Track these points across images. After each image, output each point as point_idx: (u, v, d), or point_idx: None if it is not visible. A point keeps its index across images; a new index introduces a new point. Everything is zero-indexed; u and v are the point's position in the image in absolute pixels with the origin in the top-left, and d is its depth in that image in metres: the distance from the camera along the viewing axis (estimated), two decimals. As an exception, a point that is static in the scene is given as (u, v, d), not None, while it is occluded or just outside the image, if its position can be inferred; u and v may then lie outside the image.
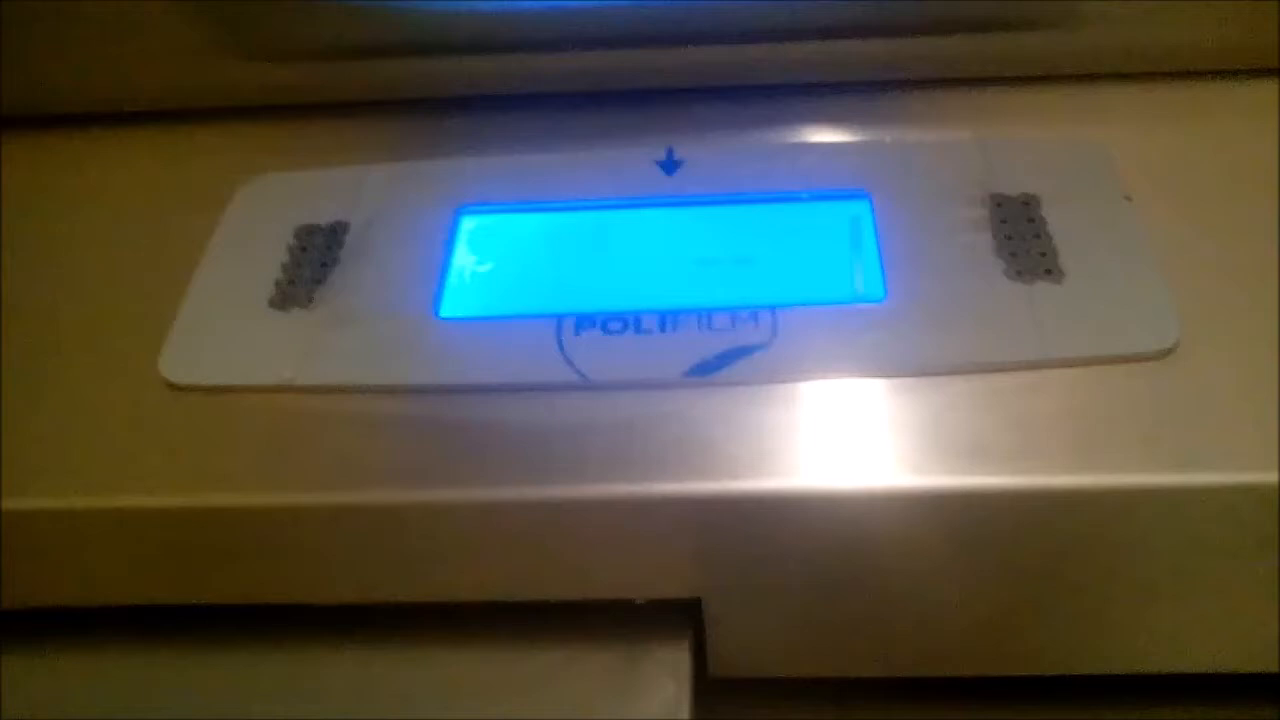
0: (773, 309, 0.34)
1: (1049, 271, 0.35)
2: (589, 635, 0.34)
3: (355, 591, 0.34)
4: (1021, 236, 0.36)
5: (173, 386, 0.34)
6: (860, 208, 0.37)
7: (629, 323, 0.34)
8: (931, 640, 0.35)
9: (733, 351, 0.33)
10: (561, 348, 0.34)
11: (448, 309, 0.35)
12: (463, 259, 0.37)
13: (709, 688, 0.35)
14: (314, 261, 0.37)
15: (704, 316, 0.34)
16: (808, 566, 0.33)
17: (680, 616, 0.34)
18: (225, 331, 0.35)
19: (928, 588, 0.33)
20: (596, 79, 0.41)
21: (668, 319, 0.34)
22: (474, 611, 0.34)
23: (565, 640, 0.34)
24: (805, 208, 0.38)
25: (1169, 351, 0.33)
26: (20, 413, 0.35)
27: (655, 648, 0.33)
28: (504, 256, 0.37)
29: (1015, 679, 0.36)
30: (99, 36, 0.41)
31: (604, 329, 0.34)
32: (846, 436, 0.32)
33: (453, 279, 0.36)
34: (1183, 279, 0.35)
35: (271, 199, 0.39)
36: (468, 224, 0.38)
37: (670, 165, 0.39)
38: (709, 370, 0.33)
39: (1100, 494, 0.31)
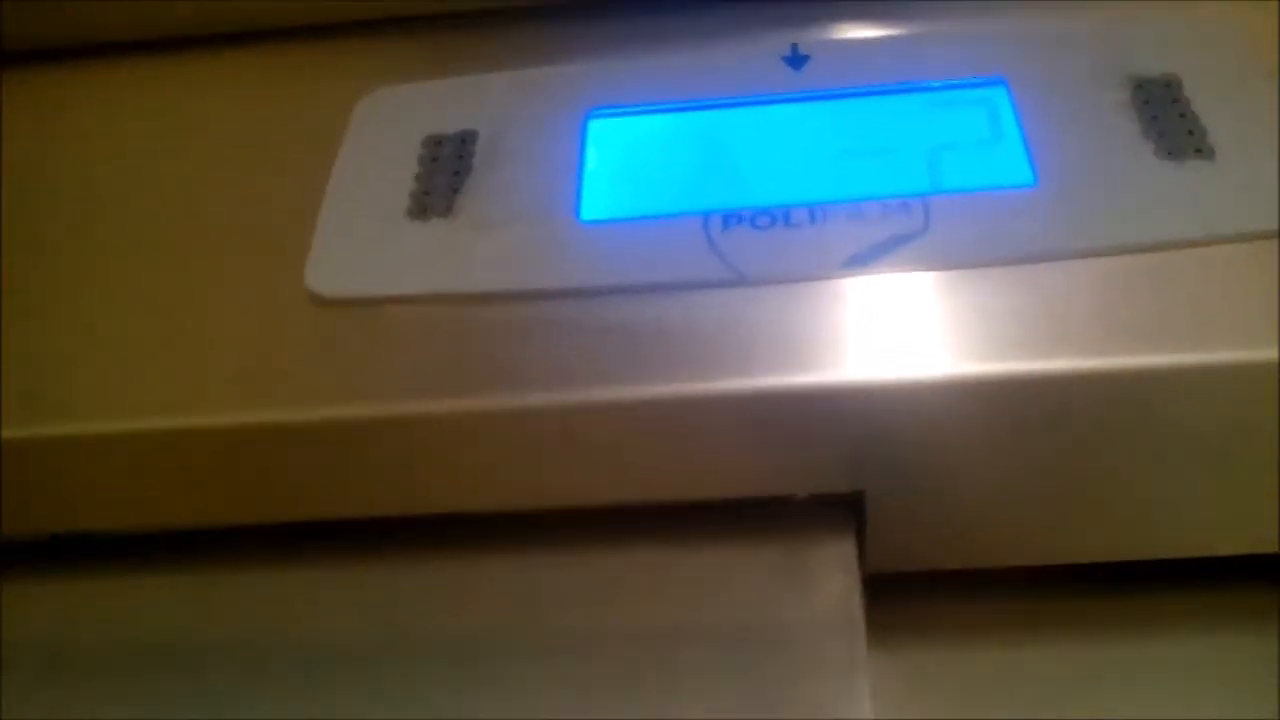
0: (923, 197, 0.34)
1: (1199, 150, 0.34)
2: (753, 533, 0.34)
3: (518, 498, 0.34)
4: (1167, 117, 0.35)
5: (319, 300, 0.34)
6: (998, 94, 0.37)
7: (777, 217, 0.34)
8: (1093, 526, 0.35)
9: (888, 241, 0.33)
10: (712, 244, 0.33)
11: (589, 211, 0.35)
12: (597, 162, 0.36)
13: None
14: (447, 170, 0.37)
15: (854, 208, 0.34)
16: (976, 456, 0.32)
17: (842, 511, 0.34)
18: (367, 244, 0.35)
19: (1102, 470, 0.33)
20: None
21: (817, 212, 0.34)
22: (637, 514, 0.34)
23: (729, 539, 0.34)
24: (940, 96, 0.37)
25: (1327, 225, 0.32)
26: (170, 333, 0.34)
27: (821, 543, 0.33)
28: (638, 158, 0.37)
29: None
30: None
31: (753, 224, 0.34)
32: (1011, 321, 0.32)
33: (590, 182, 0.36)
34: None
35: (394, 111, 0.39)
36: (597, 127, 0.37)
37: (796, 60, 0.38)
38: (865, 261, 0.33)
39: (1269, 368, 0.31)
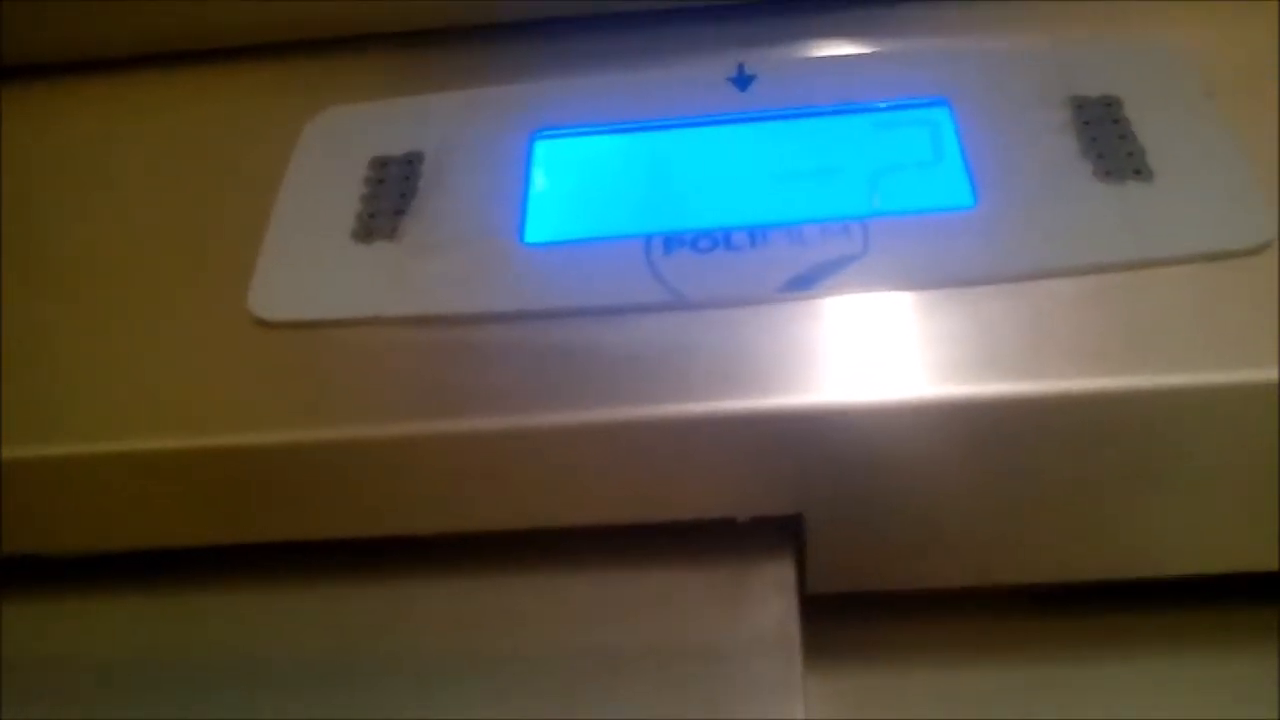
0: (863, 219, 0.34)
1: (1138, 171, 0.35)
2: (692, 556, 0.34)
3: (456, 520, 0.34)
4: (1106, 137, 0.36)
5: (262, 323, 0.34)
6: (940, 115, 0.37)
7: (718, 240, 0.34)
8: (1032, 546, 0.35)
9: (827, 264, 0.33)
10: (652, 267, 0.34)
11: (532, 234, 0.35)
12: (541, 183, 0.37)
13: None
14: (392, 192, 0.37)
15: (794, 230, 0.34)
16: (911, 478, 0.33)
17: (781, 534, 0.34)
18: (311, 266, 0.35)
19: (1032, 493, 0.33)
20: (662, -4, 0.40)
21: (758, 234, 0.34)
22: (576, 537, 0.34)
23: (668, 562, 0.34)
24: (884, 117, 0.37)
25: (1265, 247, 0.33)
26: (111, 358, 0.34)
27: (760, 565, 0.33)
28: (583, 179, 0.37)
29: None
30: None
31: (694, 247, 0.34)
32: (948, 344, 0.32)
33: (534, 204, 0.36)
34: (1270, 175, 0.34)
35: (341, 132, 0.39)
36: (543, 148, 0.37)
37: (742, 81, 0.39)
38: (805, 284, 0.33)
39: (1202, 391, 0.31)
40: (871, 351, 0.32)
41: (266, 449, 0.33)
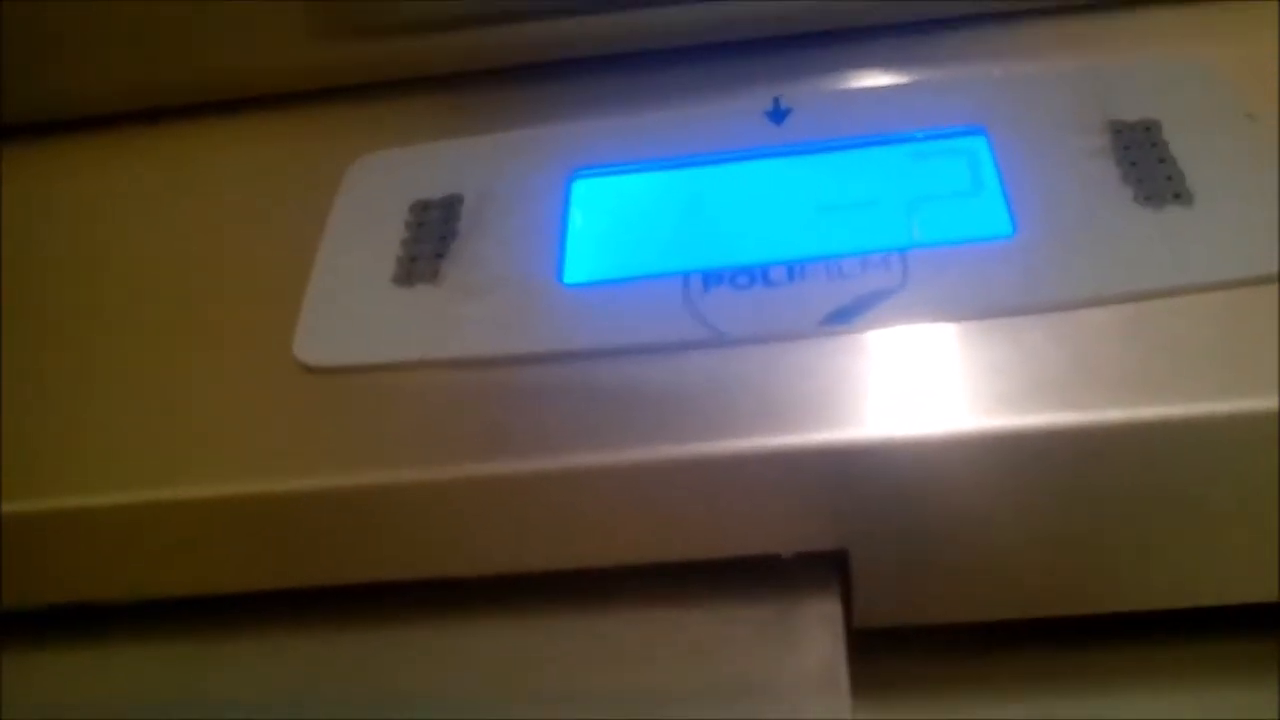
0: (901, 251, 0.34)
1: (1178, 195, 0.34)
2: (737, 593, 0.34)
3: (502, 562, 0.34)
4: (1146, 162, 0.35)
5: (308, 369, 0.35)
6: (977, 143, 0.37)
7: (757, 276, 0.34)
8: (1080, 578, 0.34)
9: (866, 297, 0.33)
10: (691, 305, 0.34)
11: (571, 274, 0.35)
12: (580, 223, 0.37)
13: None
14: (433, 236, 0.37)
15: (832, 264, 0.34)
16: (958, 512, 0.32)
17: (827, 569, 0.34)
18: (354, 312, 0.36)
19: (1077, 525, 0.33)
20: (696, 32, 0.41)
21: (796, 269, 0.34)
22: (621, 576, 0.34)
23: (714, 600, 0.34)
24: (921, 147, 0.37)
25: (1311, 270, 0.32)
26: (159, 405, 0.35)
27: (806, 601, 0.33)
28: (621, 218, 0.37)
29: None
30: (198, 24, 0.41)
31: (732, 284, 0.34)
32: (992, 375, 0.32)
33: (573, 244, 0.36)
34: (1315, 194, 0.34)
35: (381, 177, 0.39)
36: (581, 188, 0.38)
37: (778, 115, 0.39)
38: (844, 318, 0.33)
39: (1254, 418, 0.30)
40: (913, 384, 0.32)
41: (315, 494, 0.33)
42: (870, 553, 0.33)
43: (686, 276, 0.34)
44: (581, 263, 0.36)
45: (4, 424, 0.35)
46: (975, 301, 0.33)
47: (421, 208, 0.38)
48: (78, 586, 0.36)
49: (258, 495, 0.33)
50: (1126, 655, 0.35)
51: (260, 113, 0.42)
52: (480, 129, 0.40)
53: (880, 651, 0.35)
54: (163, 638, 0.37)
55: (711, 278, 0.34)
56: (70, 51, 0.42)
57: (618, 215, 0.37)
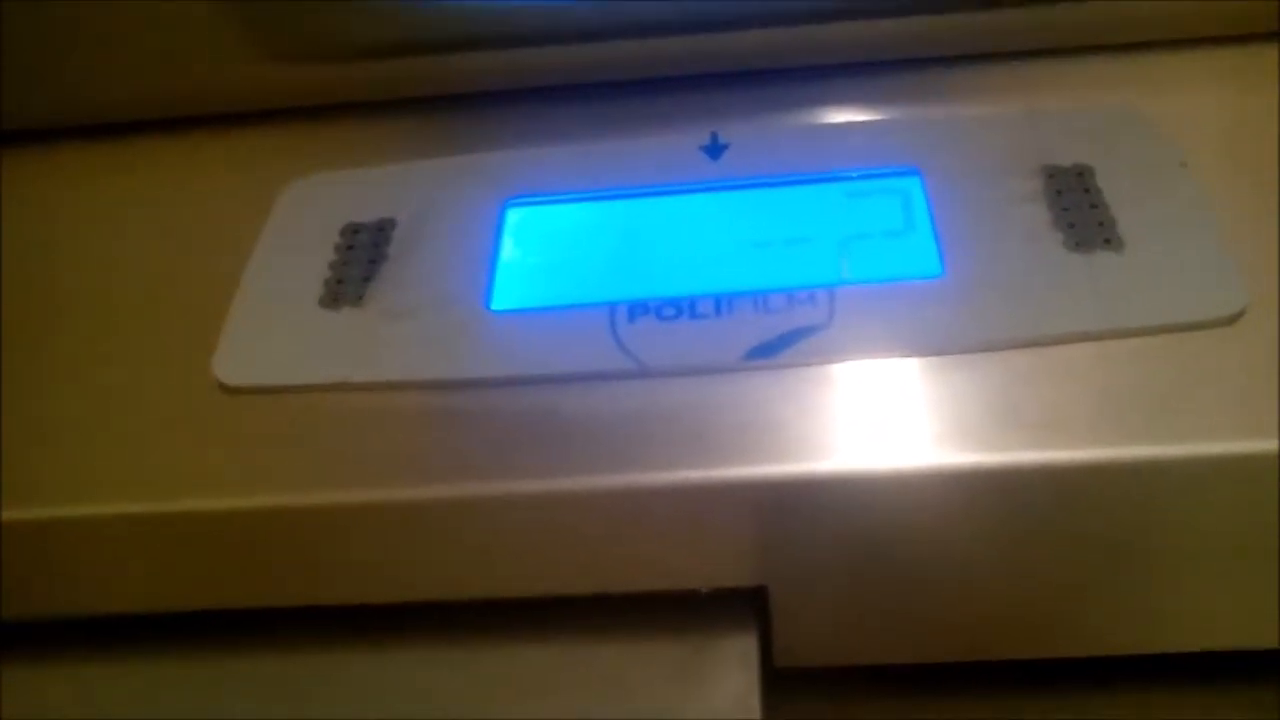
0: (829, 288, 0.34)
1: (1108, 241, 0.34)
2: (654, 627, 0.33)
3: (417, 589, 0.34)
4: (1078, 207, 0.35)
5: (227, 388, 0.34)
6: (911, 184, 0.37)
7: (683, 308, 0.34)
8: (1002, 622, 0.34)
9: (791, 333, 0.33)
10: (616, 336, 0.33)
11: (499, 301, 0.35)
12: (511, 251, 0.37)
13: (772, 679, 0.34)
14: (362, 259, 0.37)
15: (759, 299, 0.34)
16: (877, 550, 0.32)
17: (745, 606, 0.33)
18: (277, 332, 0.35)
19: (999, 566, 0.33)
20: (636, 67, 0.41)
21: (723, 303, 0.34)
22: (538, 606, 0.33)
23: (630, 633, 0.33)
24: (855, 186, 0.37)
25: (1237, 318, 0.32)
26: (74, 419, 0.34)
27: (723, 638, 0.33)
28: (552, 247, 0.37)
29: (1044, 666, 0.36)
30: (134, 43, 0.41)
31: (658, 315, 0.34)
32: (912, 415, 0.31)
33: (502, 271, 0.36)
34: (1244, 245, 0.34)
35: (315, 199, 0.39)
36: (514, 216, 0.38)
37: (715, 149, 0.39)
38: (768, 353, 0.33)
39: (1174, 463, 0.30)
40: (835, 421, 0.31)
41: (229, 514, 0.33)
42: (789, 590, 0.33)
43: (613, 307, 0.34)
44: (510, 290, 0.35)
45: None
46: (901, 340, 0.33)
47: (352, 230, 0.38)
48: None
49: (170, 514, 0.33)
50: (1052, 702, 0.35)
51: (199, 132, 0.42)
52: (416, 155, 0.40)
53: (805, 692, 0.34)
54: (112, 656, 0.36)
55: (638, 309, 0.34)
56: (6, 65, 0.41)
57: (549, 244, 0.37)
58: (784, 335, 0.33)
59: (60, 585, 0.35)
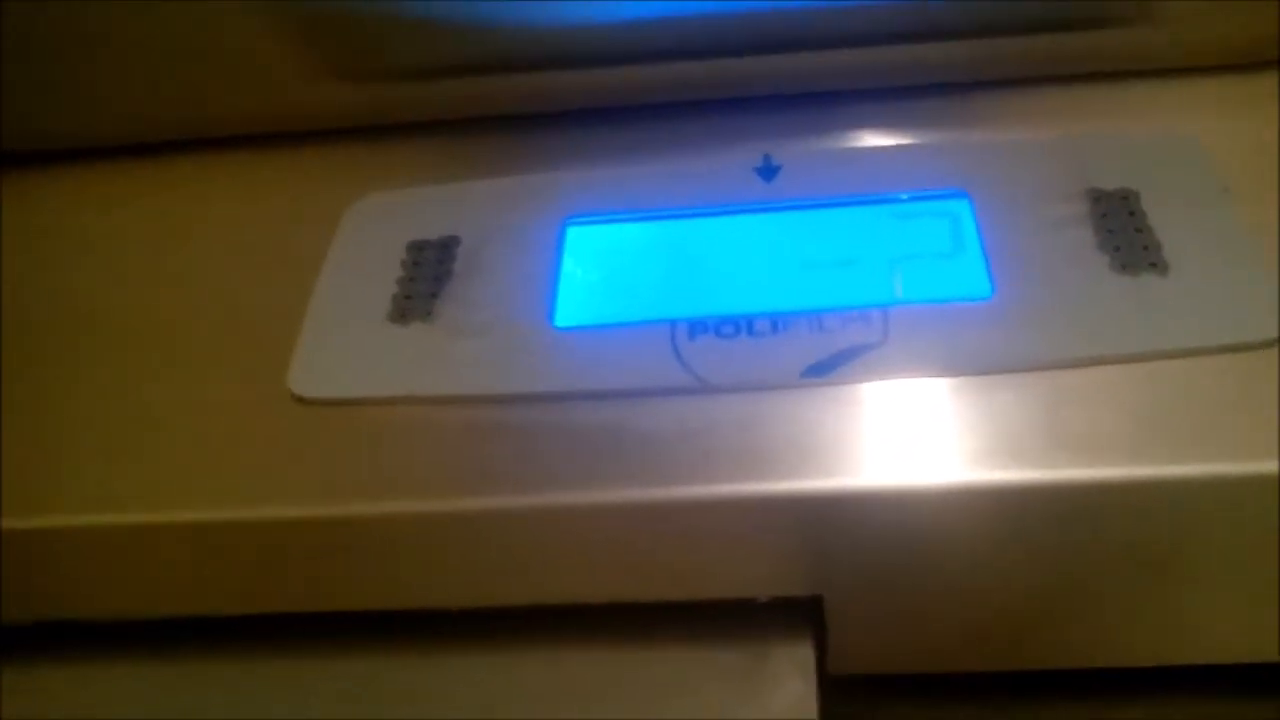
0: (883, 308, 0.35)
1: (1154, 265, 0.35)
2: (712, 635, 0.34)
3: (483, 596, 0.35)
4: (1123, 230, 0.36)
5: (302, 400, 0.35)
6: (960, 206, 0.38)
7: (742, 326, 0.35)
8: (1046, 632, 0.35)
9: (846, 351, 0.34)
10: (677, 352, 0.35)
11: (562, 318, 0.36)
12: (572, 269, 0.38)
13: (829, 686, 0.35)
14: (429, 276, 0.38)
15: (815, 318, 0.35)
16: (928, 562, 0.33)
17: (802, 615, 0.34)
18: (349, 347, 0.37)
19: (1044, 579, 0.34)
20: (691, 88, 0.42)
21: (780, 321, 0.35)
22: (599, 614, 0.35)
23: (689, 641, 0.34)
24: (905, 208, 0.38)
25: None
26: (156, 431, 0.36)
27: (779, 646, 0.34)
28: (612, 265, 0.38)
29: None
30: (203, 63, 0.42)
31: (717, 333, 0.35)
32: (962, 432, 0.33)
33: (564, 289, 0.37)
34: (1287, 268, 0.35)
35: (381, 217, 0.40)
36: (575, 234, 0.39)
37: (768, 171, 0.40)
38: (824, 370, 0.34)
39: (1218, 482, 0.31)
40: (889, 438, 0.33)
41: (303, 522, 0.34)
42: (844, 600, 0.34)
43: (674, 324, 0.35)
44: (572, 307, 0.37)
45: (4, 444, 0.36)
46: (952, 359, 0.34)
47: (418, 248, 0.39)
48: (68, 604, 0.36)
49: (247, 521, 0.34)
50: (1098, 712, 0.36)
51: (266, 151, 0.43)
52: (478, 174, 0.41)
53: (858, 699, 0.36)
54: (151, 658, 0.38)
55: (698, 326, 0.35)
56: (77, 84, 0.43)
57: (609, 262, 0.38)
58: (839, 353, 0.34)
59: (138, 588, 0.36)
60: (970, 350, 0.34)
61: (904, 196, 0.39)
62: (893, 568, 0.33)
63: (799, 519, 0.33)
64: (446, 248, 0.39)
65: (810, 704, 0.33)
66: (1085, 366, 0.33)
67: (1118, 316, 0.34)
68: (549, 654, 0.35)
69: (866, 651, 0.35)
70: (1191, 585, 0.33)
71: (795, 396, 0.34)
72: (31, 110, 0.43)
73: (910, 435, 0.33)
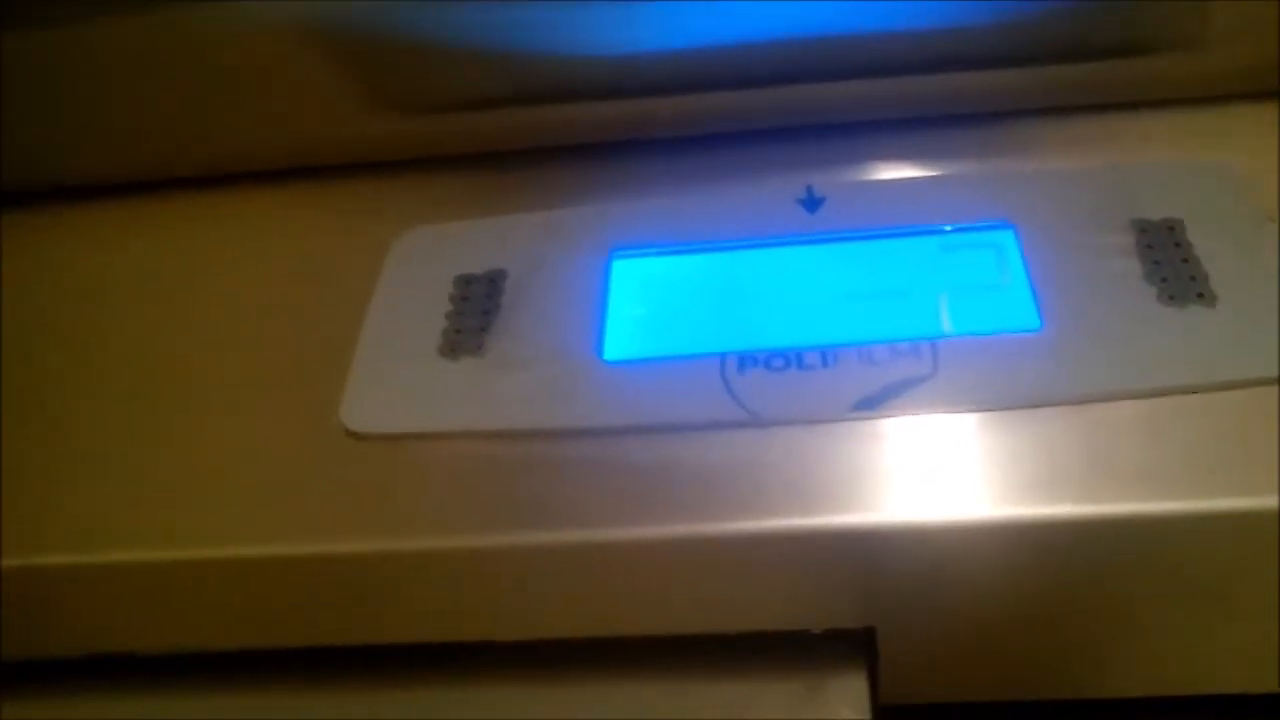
0: (932, 341, 0.35)
1: (1201, 295, 0.36)
2: (768, 667, 0.35)
3: (536, 629, 0.35)
4: (1170, 261, 0.37)
5: (354, 435, 0.36)
6: (1005, 237, 0.38)
7: (791, 359, 0.35)
8: (1092, 663, 0.35)
9: (896, 385, 0.34)
10: (727, 386, 0.35)
11: (611, 351, 0.37)
12: (620, 302, 0.38)
13: (882, 716, 0.36)
14: (477, 310, 0.38)
15: (864, 351, 0.35)
16: (979, 594, 0.33)
17: (855, 646, 0.35)
18: (400, 381, 0.37)
19: (1092, 611, 0.34)
20: (733, 119, 0.42)
21: (829, 354, 0.35)
22: (654, 646, 0.35)
23: (745, 673, 0.35)
24: (950, 239, 0.39)
25: (1329, 372, 0.33)
26: (208, 465, 0.36)
27: (833, 677, 0.34)
28: (659, 298, 0.38)
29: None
30: (247, 97, 0.43)
31: (768, 366, 0.35)
32: (1014, 465, 0.33)
33: (613, 322, 0.37)
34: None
35: (428, 250, 0.41)
36: (621, 267, 0.39)
37: (812, 203, 0.40)
38: (875, 404, 0.34)
39: (1267, 515, 0.32)
40: (940, 471, 0.33)
41: (358, 558, 0.34)
42: (897, 631, 0.34)
43: (723, 358, 0.36)
44: (621, 340, 0.37)
45: (59, 480, 0.36)
46: (1002, 392, 0.34)
47: (465, 282, 0.39)
48: (113, 638, 0.37)
49: (302, 556, 0.34)
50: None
51: (312, 184, 0.44)
52: (524, 206, 0.41)
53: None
54: (178, 691, 0.38)
55: (747, 360, 0.35)
56: (127, 115, 0.43)
57: (656, 295, 0.38)
58: (889, 386, 0.34)
59: (191, 623, 0.37)
60: (1020, 383, 0.34)
61: (948, 228, 0.39)
62: (944, 599, 0.34)
63: (851, 552, 0.33)
64: (494, 281, 0.39)
65: (865, 736, 0.33)
66: (1136, 399, 0.34)
67: (1167, 348, 0.34)
68: (605, 687, 0.35)
69: (919, 681, 0.36)
70: (1241, 617, 0.33)
71: (846, 430, 0.34)
72: (79, 145, 0.44)
73: (960, 469, 0.33)
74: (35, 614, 0.36)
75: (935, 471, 0.33)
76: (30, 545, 0.35)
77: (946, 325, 0.36)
